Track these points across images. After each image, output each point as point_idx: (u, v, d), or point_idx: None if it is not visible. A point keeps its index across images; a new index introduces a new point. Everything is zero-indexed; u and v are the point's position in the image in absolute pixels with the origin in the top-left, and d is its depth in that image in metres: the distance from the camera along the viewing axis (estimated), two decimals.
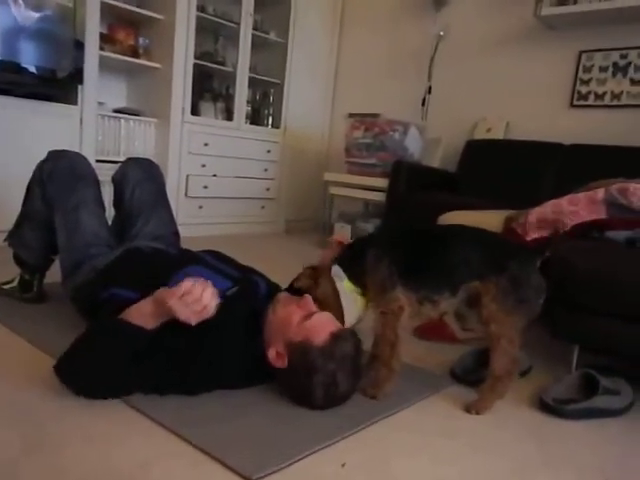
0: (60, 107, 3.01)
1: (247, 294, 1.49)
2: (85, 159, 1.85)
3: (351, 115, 4.30)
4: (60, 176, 1.74)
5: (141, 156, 1.93)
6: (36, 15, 2.83)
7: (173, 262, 1.60)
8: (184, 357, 1.30)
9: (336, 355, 1.27)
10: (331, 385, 1.27)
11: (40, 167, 1.78)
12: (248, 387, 1.39)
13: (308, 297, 1.41)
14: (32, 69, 2.85)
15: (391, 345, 1.42)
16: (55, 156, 1.79)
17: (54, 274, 1.92)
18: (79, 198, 1.72)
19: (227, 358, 1.34)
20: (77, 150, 2.98)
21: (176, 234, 1.96)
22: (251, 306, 1.45)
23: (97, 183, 1.83)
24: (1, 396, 1.26)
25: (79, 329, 1.66)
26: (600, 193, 1.76)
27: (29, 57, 2.84)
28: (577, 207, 1.77)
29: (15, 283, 1.93)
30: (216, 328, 1.31)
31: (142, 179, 1.88)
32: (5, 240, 1.90)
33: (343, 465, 1.11)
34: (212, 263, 1.60)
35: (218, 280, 1.44)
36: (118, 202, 1.90)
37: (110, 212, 1.97)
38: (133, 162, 1.94)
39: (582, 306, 1.57)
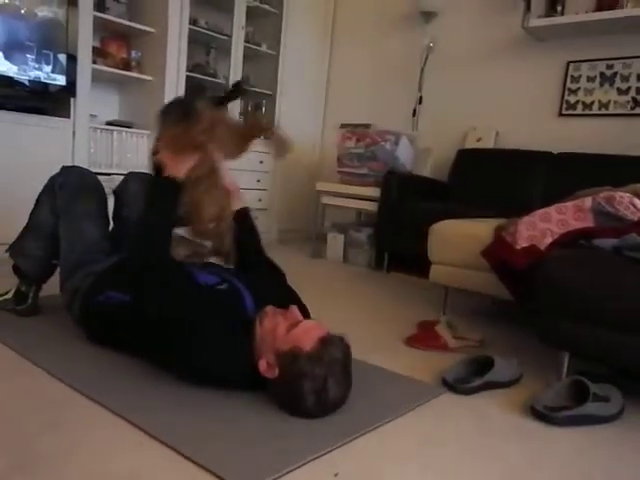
0: (52, 120, 3.02)
1: (233, 295, 1.53)
2: (93, 174, 1.92)
3: (343, 125, 4.32)
4: (69, 188, 1.81)
5: (142, 170, 2.00)
6: (28, 28, 2.84)
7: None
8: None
9: (325, 360, 1.28)
10: (322, 391, 1.28)
11: (52, 179, 1.86)
12: (232, 389, 1.41)
13: (294, 307, 1.43)
14: (25, 82, 2.86)
15: None
16: (67, 170, 1.89)
17: (49, 288, 1.92)
18: (84, 209, 1.80)
19: (212, 345, 1.36)
20: (70, 162, 3.01)
21: None
22: (236, 311, 1.48)
23: (103, 197, 1.90)
24: None
25: (72, 342, 1.68)
26: (587, 202, 1.78)
27: (22, 71, 2.86)
28: (565, 216, 1.80)
29: (10, 295, 1.93)
30: (199, 313, 1.39)
31: (142, 192, 1.91)
32: (6, 251, 1.92)
33: (336, 475, 1.11)
34: (202, 269, 1.63)
35: (206, 276, 1.54)
36: (117, 214, 1.97)
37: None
38: (134, 176, 2.00)
39: (568, 314, 1.59)
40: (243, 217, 1.76)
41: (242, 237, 1.72)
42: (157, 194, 1.57)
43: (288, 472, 1.09)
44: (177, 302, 1.41)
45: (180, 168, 1.55)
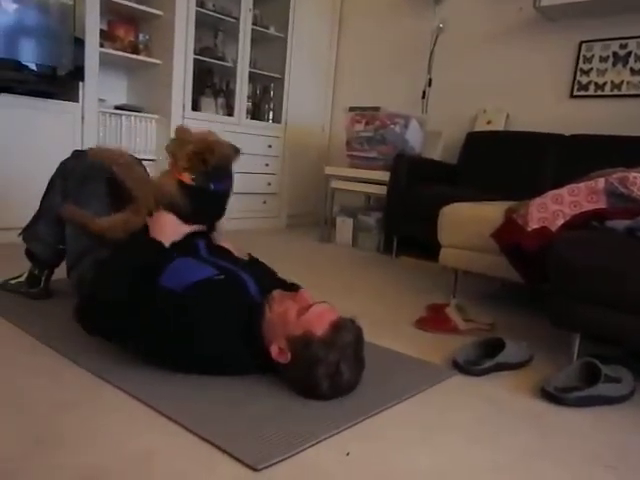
0: (61, 104, 3.02)
1: (232, 284, 1.50)
2: None
3: (352, 109, 4.29)
4: (80, 172, 1.80)
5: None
6: (36, 13, 2.83)
7: (166, 253, 1.60)
8: (164, 327, 1.34)
9: (337, 344, 1.28)
10: (335, 375, 1.28)
11: (63, 164, 1.86)
12: (239, 374, 1.41)
13: (304, 291, 1.43)
14: (33, 67, 2.86)
15: None
16: (78, 154, 1.88)
17: (61, 271, 1.94)
18: (93, 190, 1.77)
19: (208, 337, 1.35)
20: (79, 146, 3.02)
21: None
22: (239, 298, 1.46)
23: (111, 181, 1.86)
24: (4, 391, 1.27)
25: None
26: (600, 183, 1.76)
27: (30, 55, 2.85)
28: (577, 197, 1.78)
29: (23, 278, 1.95)
30: (195, 306, 1.36)
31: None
32: (19, 234, 1.93)
33: (347, 454, 1.12)
34: (204, 256, 1.62)
35: (202, 268, 1.49)
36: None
37: None
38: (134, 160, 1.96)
39: (580, 296, 1.59)
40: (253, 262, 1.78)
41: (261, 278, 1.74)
42: (145, 249, 1.57)
43: (300, 451, 1.10)
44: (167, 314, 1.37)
45: (163, 235, 1.58)
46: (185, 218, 1.62)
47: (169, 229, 1.59)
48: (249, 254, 1.77)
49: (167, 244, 1.57)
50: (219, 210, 1.75)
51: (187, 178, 1.59)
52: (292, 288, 1.60)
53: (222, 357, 1.39)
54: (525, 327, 2.14)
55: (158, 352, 1.40)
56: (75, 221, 1.69)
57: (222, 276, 1.50)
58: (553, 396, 1.45)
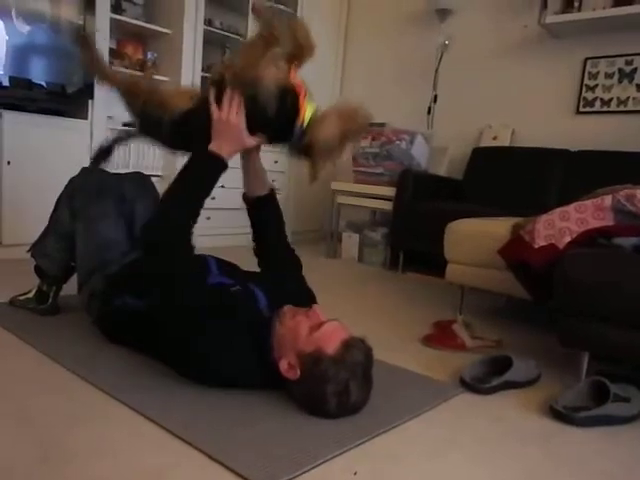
0: (71, 122, 3.05)
1: (247, 297, 1.53)
2: (113, 175, 1.94)
3: None
4: (87, 190, 1.82)
5: (130, 171, 2.00)
6: (46, 32, 2.88)
7: None
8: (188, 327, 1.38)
9: (348, 363, 1.28)
10: (343, 394, 1.28)
11: (71, 181, 1.88)
12: (250, 389, 1.42)
13: (316, 307, 1.43)
14: (43, 85, 2.90)
15: None
16: (86, 172, 1.91)
17: (68, 287, 1.95)
18: (101, 210, 1.79)
19: (227, 346, 1.37)
20: (88, 164, 3.05)
21: None
22: (251, 311, 1.48)
23: (122, 198, 1.87)
24: (13, 406, 1.27)
25: (92, 341, 1.71)
26: (607, 200, 1.76)
27: (40, 73, 2.90)
28: (584, 214, 1.78)
29: (31, 295, 1.96)
30: (217, 313, 1.39)
31: (138, 195, 1.92)
32: (28, 251, 1.95)
33: (355, 473, 1.11)
34: (214, 272, 1.63)
35: (221, 278, 1.54)
36: None
37: None
38: (125, 179, 1.97)
39: (589, 314, 1.58)
40: (270, 199, 1.77)
41: (268, 220, 1.80)
42: (201, 171, 1.48)
43: (307, 470, 1.10)
44: (190, 299, 1.41)
45: (227, 148, 1.46)
46: (254, 126, 1.46)
47: (235, 135, 1.47)
48: (271, 188, 1.77)
49: (227, 157, 1.47)
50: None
51: (304, 113, 1.43)
52: (306, 299, 1.61)
53: (236, 371, 1.39)
54: (532, 343, 2.13)
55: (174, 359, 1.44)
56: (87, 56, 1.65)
57: (237, 287, 1.53)
58: (562, 415, 1.44)
